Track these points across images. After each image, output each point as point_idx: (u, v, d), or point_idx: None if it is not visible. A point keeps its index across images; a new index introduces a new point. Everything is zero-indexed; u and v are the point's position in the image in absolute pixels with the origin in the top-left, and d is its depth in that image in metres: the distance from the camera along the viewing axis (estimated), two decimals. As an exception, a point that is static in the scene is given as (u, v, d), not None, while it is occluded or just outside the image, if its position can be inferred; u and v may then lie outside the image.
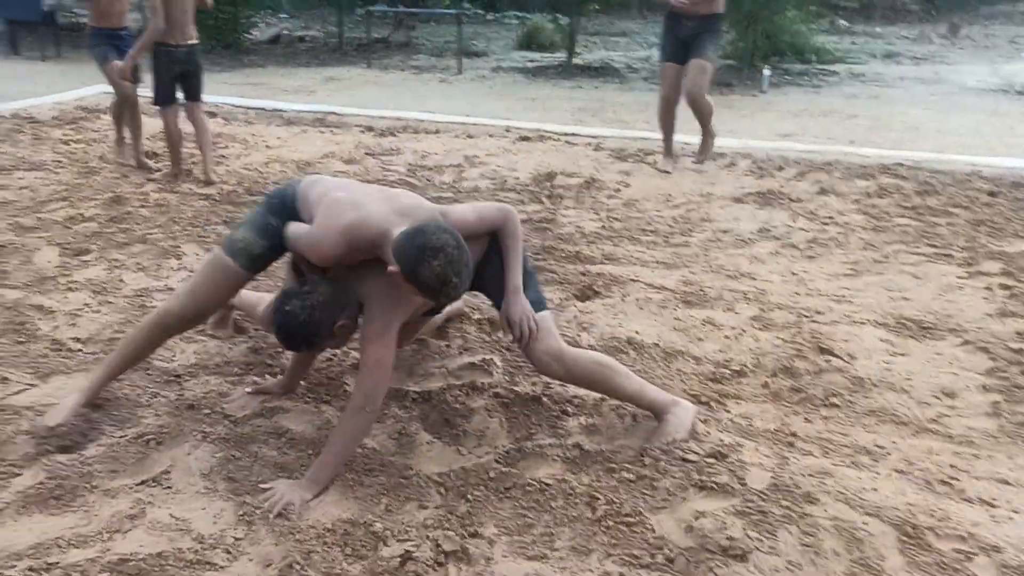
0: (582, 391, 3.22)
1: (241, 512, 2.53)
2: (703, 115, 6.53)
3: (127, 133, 6.24)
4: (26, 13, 14.00)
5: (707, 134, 6.68)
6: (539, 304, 2.95)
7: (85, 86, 9.22)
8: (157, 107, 5.85)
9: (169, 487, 2.66)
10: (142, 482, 2.67)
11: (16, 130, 7.02)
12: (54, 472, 2.67)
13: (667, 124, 6.68)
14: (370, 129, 7.60)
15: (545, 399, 3.17)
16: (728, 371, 3.45)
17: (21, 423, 2.95)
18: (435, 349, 3.56)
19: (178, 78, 5.79)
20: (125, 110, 6.13)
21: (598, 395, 3.20)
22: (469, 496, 2.65)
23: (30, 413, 3.01)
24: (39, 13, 14.08)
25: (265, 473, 2.73)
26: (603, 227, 5.17)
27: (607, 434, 3.00)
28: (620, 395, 3.02)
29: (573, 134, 7.55)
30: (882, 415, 3.16)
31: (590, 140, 7.37)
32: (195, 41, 5.81)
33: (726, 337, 3.75)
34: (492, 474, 2.74)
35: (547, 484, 2.69)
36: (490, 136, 7.51)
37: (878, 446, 2.96)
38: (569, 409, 3.13)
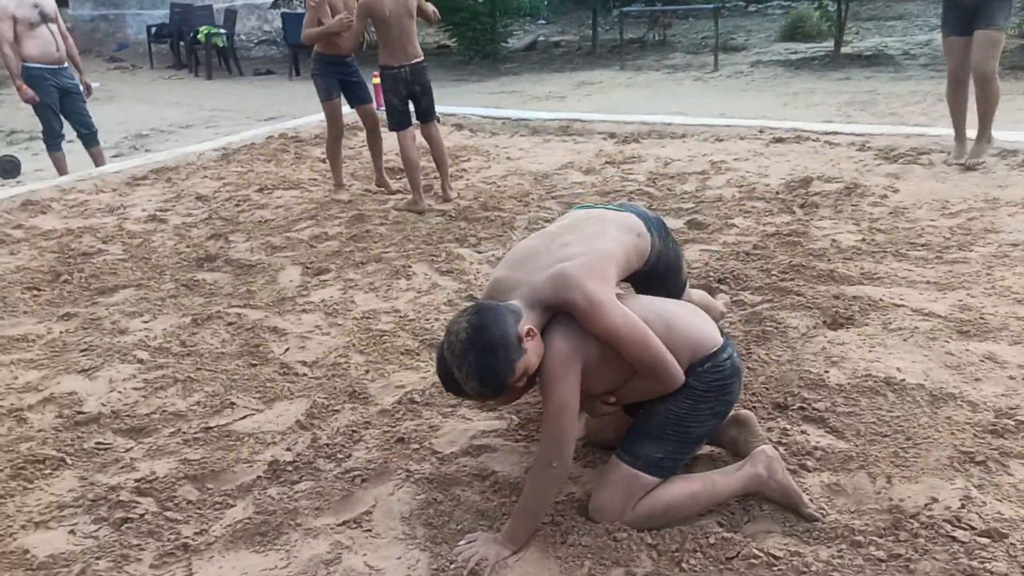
0: (824, 442, 2.81)
1: (435, 566, 2.37)
2: (989, 101, 5.67)
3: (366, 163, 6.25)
4: (306, 36, 15.17)
5: (986, 127, 5.78)
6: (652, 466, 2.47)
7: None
8: (394, 132, 5.75)
9: (369, 530, 2.56)
10: (343, 522, 2.60)
11: (282, 149, 7.47)
12: (263, 507, 2.66)
13: (957, 105, 5.88)
14: (613, 136, 7.36)
15: (781, 449, 2.77)
16: (1012, 422, 2.85)
17: (242, 451, 2.99)
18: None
19: (409, 98, 5.71)
20: (339, 147, 6.15)
21: (845, 447, 2.78)
22: (684, 564, 2.33)
23: (251, 440, 3.05)
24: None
25: (466, 520, 2.56)
26: (863, 240, 4.59)
27: (854, 497, 2.56)
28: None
29: (834, 132, 6.87)
30: None
31: (854, 139, 6.66)
32: (420, 59, 5.68)
33: (1011, 378, 3.13)
34: (712, 539, 2.40)
35: (776, 556, 2.32)
36: (741, 138, 7.02)
37: None
38: (809, 463, 2.71)
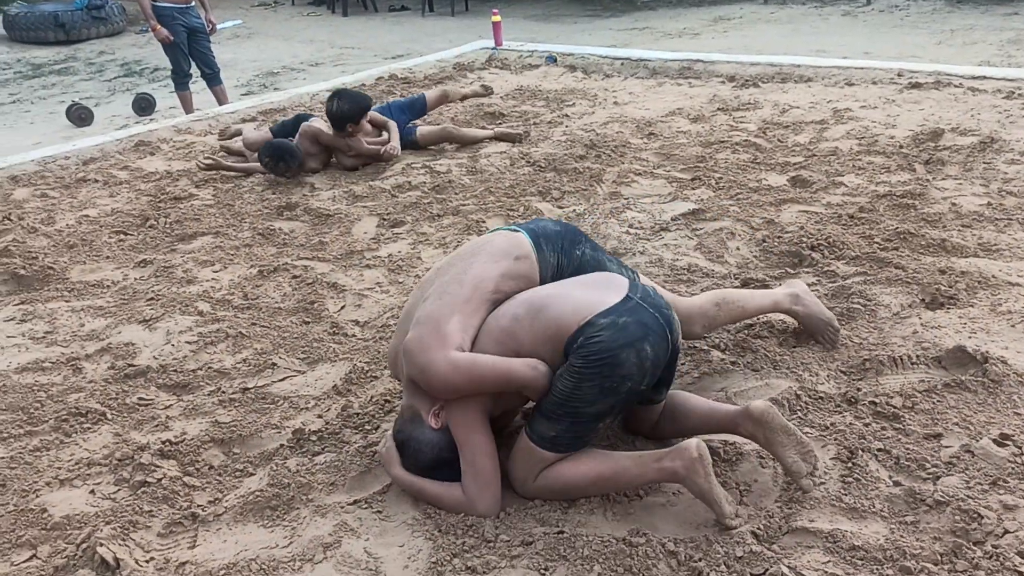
0: (889, 445, 2.48)
1: (435, 559, 2.24)
2: None
3: None
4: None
5: None
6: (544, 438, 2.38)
7: (468, 42, 9.45)
8: None
9: (379, 511, 2.45)
10: (355, 501, 2.50)
11: (388, 92, 7.35)
12: (278, 479, 2.59)
13: None
14: (732, 79, 6.87)
15: (835, 449, 2.47)
16: (1123, 436, 2.45)
17: (274, 415, 2.93)
18: (717, 365, 2.98)
19: None
20: None
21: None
22: (703, 577, 2.11)
23: (285, 404, 2.99)
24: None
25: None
26: (989, 205, 4.08)
27: (912, 514, 2.25)
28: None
29: (981, 77, 6.17)
30: None
31: (1003, 85, 5.96)
32: None
33: None
34: (740, 551, 2.17)
35: (806, 580, 2.06)
36: (874, 83, 6.41)
37: None
38: (871, 463, 2.41)
